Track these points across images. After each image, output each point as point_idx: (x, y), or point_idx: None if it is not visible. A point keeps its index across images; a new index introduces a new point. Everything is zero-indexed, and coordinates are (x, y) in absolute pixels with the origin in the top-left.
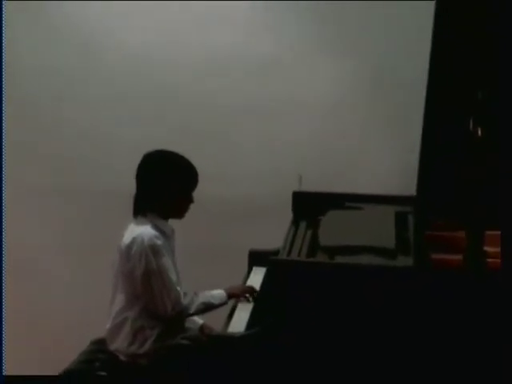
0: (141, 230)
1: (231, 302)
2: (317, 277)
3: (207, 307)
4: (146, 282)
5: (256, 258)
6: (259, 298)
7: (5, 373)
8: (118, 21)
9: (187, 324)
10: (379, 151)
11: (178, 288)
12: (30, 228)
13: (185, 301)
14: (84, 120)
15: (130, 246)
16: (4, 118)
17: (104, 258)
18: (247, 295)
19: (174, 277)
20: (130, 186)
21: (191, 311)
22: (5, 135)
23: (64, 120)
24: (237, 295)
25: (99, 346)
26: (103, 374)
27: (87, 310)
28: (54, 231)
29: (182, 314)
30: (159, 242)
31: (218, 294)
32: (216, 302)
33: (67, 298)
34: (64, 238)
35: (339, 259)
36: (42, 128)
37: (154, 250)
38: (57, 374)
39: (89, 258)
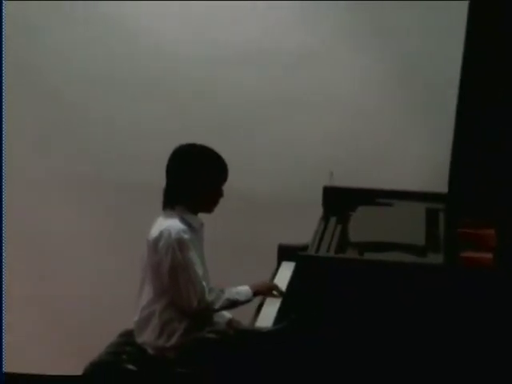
0: (168, 224)
1: (258, 298)
2: (346, 273)
3: (232, 304)
4: (172, 276)
5: (285, 253)
6: (287, 293)
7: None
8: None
9: (215, 318)
10: (411, 147)
11: (204, 283)
12: (60, 218)
13: (210, 296)
14: (113, 113)
15: (157, 240)
16: (4, 117)
17: (133, 251)
18: (274, 292)
19: (200, 271)
20: (161, 178)
21: (216, 307)
22: (31, 125)
23: (94, 112)
24: (262, 293)
25: (127, 338)
26: (131, 366)
27: (116, 302)
28: (84, 223)
29: (207, 309)
30: (186, 236)
31: (244, 290)
32: (241, 298)
33: (96, 290)
34: (94, 231)
35: (368, 256)
36: (70, 119)
37: (180, 244)
38: (84, 365)
39: (118, 251)
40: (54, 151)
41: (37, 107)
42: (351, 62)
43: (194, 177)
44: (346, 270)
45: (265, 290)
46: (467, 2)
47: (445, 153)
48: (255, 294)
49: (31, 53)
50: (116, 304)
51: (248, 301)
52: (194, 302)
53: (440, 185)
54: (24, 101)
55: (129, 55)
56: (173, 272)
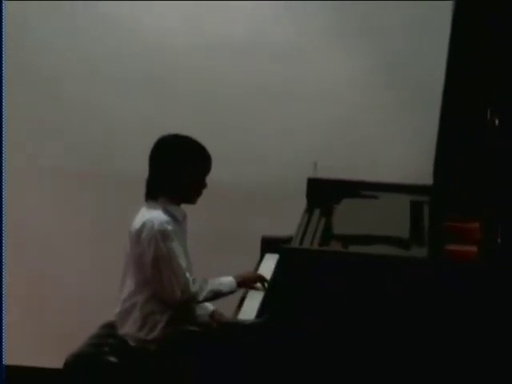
0: (151, 215)
1: (242, 290)
2: (329, 266)
3: (216, 295)
4: (155, 267)
5: (268, 245)
6: (270, 286)
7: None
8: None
9: (198, 310)
10: (395, 139)
11: (188, 274)
12: (42, 211)
13: (194, 288)
14: (97, 102)
15: (140, 231)
16: (4, 116)
17: (115, 242)
18: (257, 284)
19: (183, 263)
20: (143, 169)
21: (200, 298)
22: (24, 120)
23: (80, 103)
24: (246, 284)
25: (109, 330)
26: (112, 358)
27: (98, 294)
28: (66, 215)
29: (191, 300)
30: (169, 228)
31: (228, 281)
32: (225, 289)
33: (77, 281)
34: (75, 222)
35: (352, 248)
36: (64, 114)
37: (163, 236)
38: (65, 357)
39: (100, 242)
40: (45, 146)
41: (32, 102)
42: (339, 56)
43: (178, 168)
44: (330, 263)
45: (249, 281)
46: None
47: (430, 146)
48: (239, 284)
49: (28, 48)
50: (99, 295)
51: (232, 292)
52: (178, 293)
53: (425, 178)
54: (19, 95)
55: (122, 48)
56: (156, 263)
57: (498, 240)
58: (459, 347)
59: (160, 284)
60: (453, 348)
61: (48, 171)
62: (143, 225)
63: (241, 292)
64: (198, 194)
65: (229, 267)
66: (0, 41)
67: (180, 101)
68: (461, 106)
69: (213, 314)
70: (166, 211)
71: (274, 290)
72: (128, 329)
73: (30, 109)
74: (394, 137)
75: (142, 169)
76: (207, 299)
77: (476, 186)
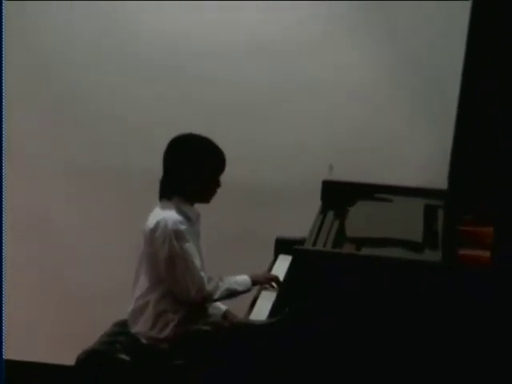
0: (165, 214)
1: (255, 290)
2: (342, 268)
3: (231, 293)
4: (169, 266)
5: (282, 246)
6: (283, 287)
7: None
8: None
9: (210, 310)
10: (412, 143)
11: (202, 273)
12: (62, 207)
13: (209, 286)
14: (117, 101)
15: (153, 230)
16: (4, 115)
17: (132, 240)
18: (272, 283)
19: (197, 262)
20: (157, 169)
21: (215, 297)
22: (34, 114)
23: (98, 101)
24: (261, 283)
25: (121, 328)
26: (124, 356)
27: (111, 292)
28: (80, 213)
29: (206, 299)
30: (183, 227)
31: (243, 280)
32: (240, 288)
33: (91, 279)
34: (94, 220)
35: (365, 251)
36: (74, 108)
37: (177, 235)
38: (78, 354)
39: (114, 241)
40: (56, 140)
41: (41, 96)
42: (356, 58)
43: (191, 167)
44: (342, 265)
45: (264, 280)
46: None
47: (445, 149)
48: (254, 283)
49: (34, 39)
50: (112, 293)
51: (247, 290)
52: (193, 292)
53: (440, 181)
54: (27, 89)
55: (133, 42)
56: (170, 262)
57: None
58: (470, 351)
59: (175, 283)
60: (464, 352)
61: (61, 170)
62: (157, 224)
63: (253, 292)
64: (212, 193)
65: (242, 268)
66: (0, 41)
67: (193, 102)
68: (477, 109)
69: (225, 314)
70: (180, 211)
71: (287, 291)
72: (140, 327)
73: (36, 100)
74: (409, 140)
75: (155, 168)
76: (222, 298)
77: (491, 190)
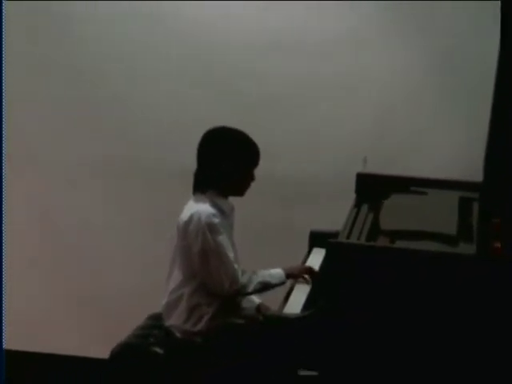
0: (199, 208)
1: (289, 283)
2: (376, 261)
3: (265, 286)
4: (202, 259)
5: (317, 239)
6: (317, 280)
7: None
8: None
9: (244, 303)
10: (446, 136)
11: (236, 266)
12: (90, 204)
13: (243, 279)
14: (145, 98)
15: (187, 223)
16: (4, 115)
17: (163, 234)
18: (306, 276)
19: (231, 255)
20: (191, 162)
21: (249, 290)
22: (66, 109)
23: (131, 97)
24: (295, 276)
25: (155, 321)
26: (157, 349)
27: (146, 285)
28: (114, 207)
29: (240, 292)
30: (216, 220)
31: (277, 273)
32: (274, 281)
33: (127, 271)
34: (124, 214)
35: (399, 244)
36: (107, 104)
37: (211, 228)
38: (113, 347)
39: (148, 234)
40: (92, 136)
41: (73, 90)
42: (388, 49)
43: (226, 160)
44: (376, 258)
45: (298, 273)
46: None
47: (481, 142)
48: (288, 276)
49: (66, 41)
50: (146, 287)
51: (281, 283)
52: (226, 285)
53: (475, 174)
54: (59, 83)
55: (169, 42)
56: (204, 255)
57: None
58: (504, 342)
59: (209, 276)
60: (502, 343)
61: (99, 163)
62: (191, 217)
63: (287, 286)
64: (246, 186)
65: (277, 261)
66: (0, 41)
67: (227, 96)
68: None
69: (259, 307)
70: (214, 204)
71: (321, 284)
72: (174, 320)
73: (68, 94)
74: (444, 132)
75: (190, 161)
76: (256, 291)
77: None
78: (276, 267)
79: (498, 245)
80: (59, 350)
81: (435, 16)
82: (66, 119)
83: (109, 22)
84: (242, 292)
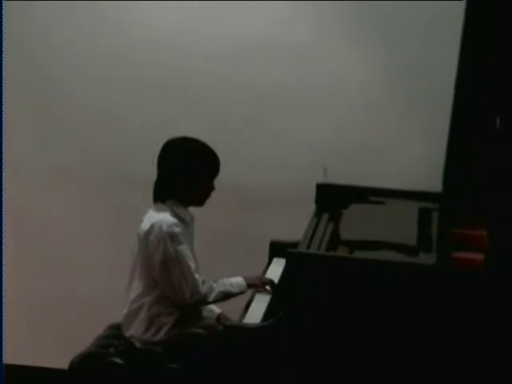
0: (159, 217)
1: (249, 292)
2: (335, 271)
3: (226, 295)
4: (164, 269)
5: (277, 249)
6: (277, 290)
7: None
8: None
9: (204, 313)
10: (406, 146)
11: (197, 276)
12: (50, 212)
13: (203, 289)
14: (113, 106)
15: (148, 233)
16: (4, 114)
17: (123, 244)
18: (267, 287)
19: (192, 264)
20: (151, 171)
21: (210, 299)
22: (32, 119)
23: (94, 106)
24: (256, 286)
25: (115, 331)
26: (117, 360)
27: (105, 295)
28: (75, 216)
29: (201, 301)
30: (178, 230)
31: (238, 282)
32: (235, 290)
33: (87, 281)
34: (84, 224)
35: (359, 254)
36: (71, 113)
37: (172, 237)
38: (72, 357)
39: (107, 244)
40: (54, 145)
41: (37, 101)
42: (350, 60)
43: (185, 171)
44: (336, 268)
45: (259, 283)
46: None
47: (440, 153)
48: (249, 286)
49: (30, 46)
50: (107, 296)
51: (242, 292)
52: (187, 295)
53: (434, 185)
54: (23, 94)
55: (131, 48)
56: (165, 265)
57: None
58: (464, 353)
59: (169, 286)
60: (457, 353)
61: (57, 172)
62: (152, 227)
63: (247, 295)
64: (206, 196)
65: (236, 271)
66: (0, 41)
67: (189, 103)
68: (471, 112)
69: (219, 317)
70: (174, 213)
71: (281, 293)
72: (134, 330)
73: (32, 105)
74: (404, 143)
75: (150, 170)
76: (217, 300)
77: (485, 193)
78: (236, 276)
79: (458, 255)
80: (17, 361)
81: (398, 28)
82: (26, 127)
83: (71, 32)
84: (203, 301)
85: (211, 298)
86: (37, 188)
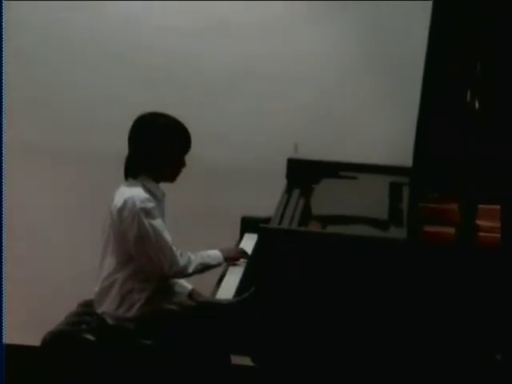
0: (132, 193)
1: (221, 268)
2: (307, 246)
3: (204, 267)
4: (139, 244)
5: (248, 225)
6: (249, 265)
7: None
8: None
9: (176, 289)
10: (377, 121)
11: (174, 248)
12: (17, 188)
13: (182, 261)
14: (80, 84)
15: (121, 209)
16: (4, 114)
17: (93, 220)
18: (241, 259)
19: (169, 237)
20: (122, 147)
21: (189, 271)
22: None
23: (67, 83)
24: (232, 258)
25: (87, 308)
26: (89, 336)
27: (77, 272)
28: (43, 192)
29: (180, 273)
30: (151, 205)
31: (215, 254)
32: (213, 262)
33: (56, 259)
34: (52, 200)
35: (331, 229)
36: (47, 87)
37: (146, 212)
38: (43, 335)
39: (79, 220)
40: (22, 122)
41: (9, 75)
42: (320, 34)
43: (156, 146)
44: (308, 243)
45: (234, 255)
46: None
47: (411, 127)
48: (226, 259)
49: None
50: (78, 273)
51: (219, 264)
52: (166, 267)
53: (405, 159)
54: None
55: (102, 25)
56: (140, 240)
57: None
58: (434, 327)
59: (148, 260)
60: (428, 327)
61: (25, 148)
62: (124, 203)
63: (219, 270)
64: (177, 172)
65: (208, 247)
66: (0, 39)
67: (161, 80)
68: (441, 88)
69: (191, 293)
70: (146, 189)
71: (253, 269)
72: (106, 307)
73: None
74: (374, 118)
75: (121, 146)
76: (196, 272)
77: (455, 167)
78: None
79: (428, 229)
80: None
81: (370, 3)
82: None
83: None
84: (183, 273)
85: (190, 269)
86: (9, 165)
